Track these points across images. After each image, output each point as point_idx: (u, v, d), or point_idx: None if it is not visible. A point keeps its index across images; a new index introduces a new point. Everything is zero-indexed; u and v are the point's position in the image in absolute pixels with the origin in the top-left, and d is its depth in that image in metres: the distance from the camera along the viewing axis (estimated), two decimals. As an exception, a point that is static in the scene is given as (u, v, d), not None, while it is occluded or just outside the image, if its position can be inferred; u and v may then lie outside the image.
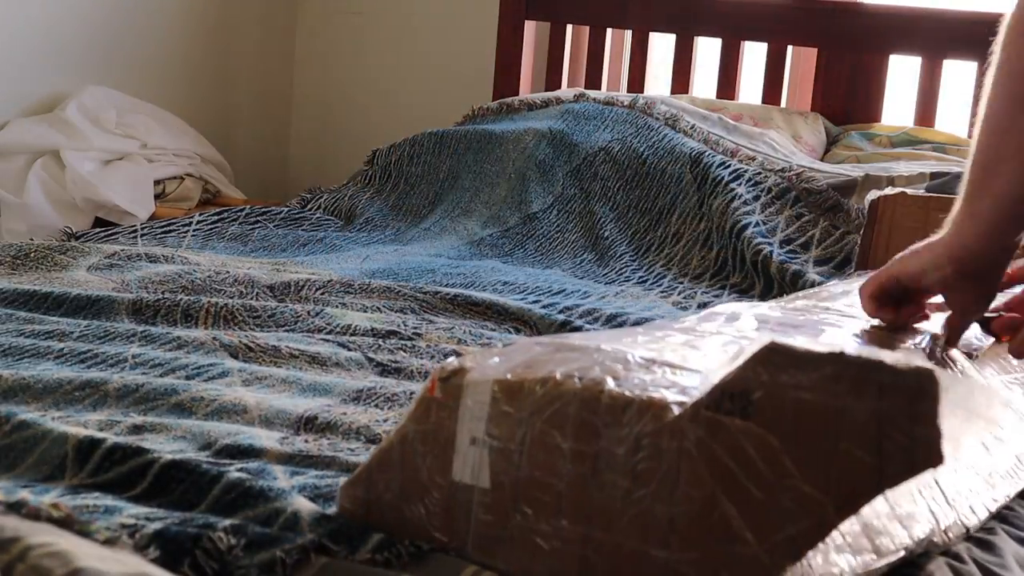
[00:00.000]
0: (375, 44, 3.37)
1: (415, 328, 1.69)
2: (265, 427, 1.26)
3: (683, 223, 2.30)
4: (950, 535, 1.03)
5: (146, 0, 3.05)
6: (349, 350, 1.57)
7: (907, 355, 0.90)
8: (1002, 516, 1.15)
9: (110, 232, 2.29)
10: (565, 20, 3.03)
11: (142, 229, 2.31)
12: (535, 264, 2.27)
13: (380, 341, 1.62)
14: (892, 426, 0.83)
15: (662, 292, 2.08)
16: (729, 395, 0.86)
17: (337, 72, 3.43)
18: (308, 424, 1.26)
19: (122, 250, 2.04)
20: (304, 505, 1.01)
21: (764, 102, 2.80)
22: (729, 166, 2.32)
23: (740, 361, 0.87)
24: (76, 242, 2.16)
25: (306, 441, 1.21)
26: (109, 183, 2.63)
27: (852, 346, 0.88)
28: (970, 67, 2.57)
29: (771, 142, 2.48)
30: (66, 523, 0.96)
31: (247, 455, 1.16)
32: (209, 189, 2.92)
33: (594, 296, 2.00)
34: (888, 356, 0.85)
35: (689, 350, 1.02)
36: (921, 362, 0.84)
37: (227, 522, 0.98)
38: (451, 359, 1.00)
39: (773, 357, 0.86)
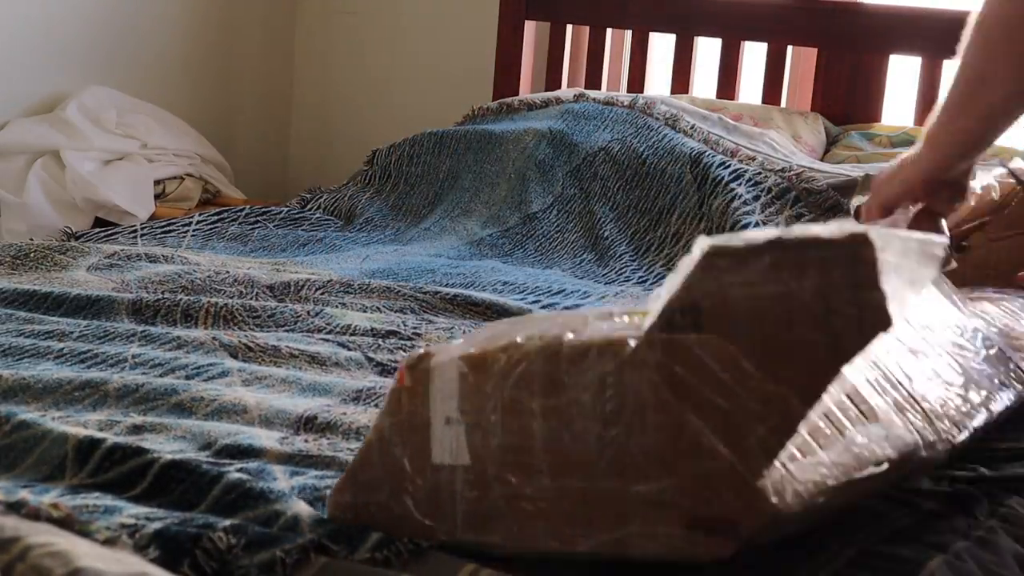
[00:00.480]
0: (375, 44, 3.37)
1: (415, 328, 1.69)
2: (265, 427, 1.26)
3: (683, 223, 2.30)
4: (937, 448, 1.04)
5: (146, 0, 3.05)
6: (349, 350, 1.57)
7: (841, 224, 0.90)
8: (1002, 516, 1.15)
9: (110, 232, 2.29)
10: (565, 20, 3.03)
11: (142, 229, 2.31)
12: (535, 264, 2.27)
13: (380, 341, 1.62)
14: (838, 298, 0.82)
15: (662, 292, 2.08)
16: (679, 311, 0.85)
17: (337, 72, 3.44)
18: (308, 424, 1.26)
19: (122, 250, 2.04)
20: (304, 506, 1.01)
21: (764, 102, 2.80)
22: (729, 166, 2.32)
23: (682, 276, 0.86)
24: (76, 242, 2.16)
25: (306, 441, 1.21)
26: (109, 183, 2.63)
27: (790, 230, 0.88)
28: (970, 67, 2.57)
29: (771, 142, 2.48)
30: (66, 523, 0.97)
31: (247, 455, 1.16)
32: (209, 189, 2.92)
33: (594, 296, 2.00)
34: (824, 229, 0.84)
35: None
36: (855, 227, 0.83)
37: (227, 522, 0.98)
38: (417, 348, 1.00)
39: (713, 260, 0.85)
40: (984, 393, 1.17)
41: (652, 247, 2.29)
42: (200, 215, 2.45)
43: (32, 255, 1.97)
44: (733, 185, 2.27)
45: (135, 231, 2.30)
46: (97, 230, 2.36)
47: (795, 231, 0.84)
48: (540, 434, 0.90)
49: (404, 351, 1.58)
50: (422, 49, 3.30)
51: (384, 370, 1.50)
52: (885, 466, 0.95)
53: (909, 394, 1.05)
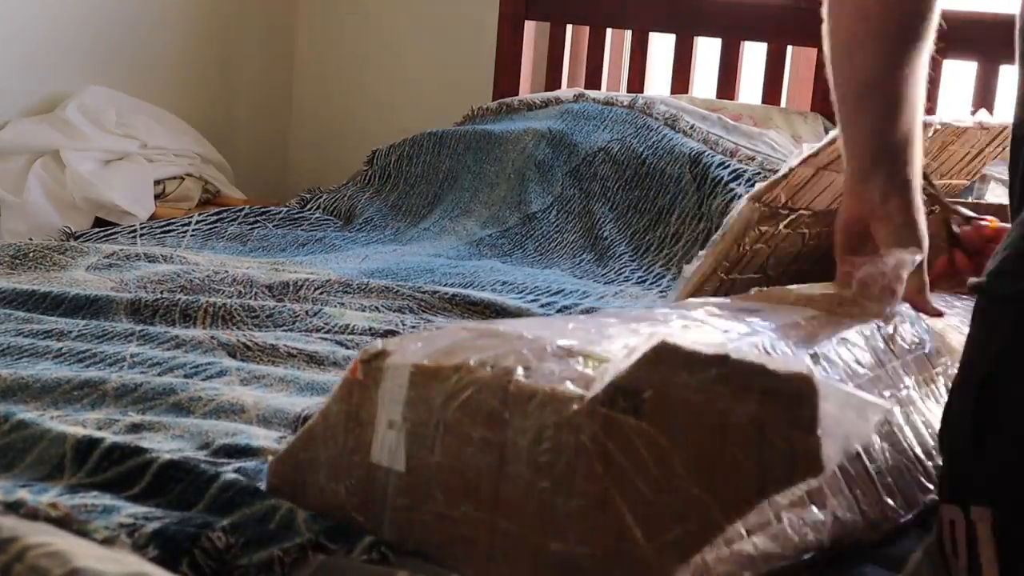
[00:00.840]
0: (375, 44, 3.37)
1: (413, 327, 1.69)
2: (263, 426, 1.26)
3: (682, 223, 2.30)
4: (881, 528, 1.02)
5: (146, 0, 3.05)
6: (347, 349, 1.57)
7: (791, 360, 0.90)
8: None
9: (109, 232, 2.29)
10: (565, 20, 3.03)
11: (141, 229, 2.31)
12: (534, 264, 2.27)
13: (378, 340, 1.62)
14: (773, 432, 0.82)
15: (661, 292, 2.08)
16: (622, 392, 0.85)
17: (337, 72, 3.44)
18: (306, 423, 1.26)
19: (121, 250, 2.04)
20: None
21: (764, 102, 2.80)
22: (728, 166, 2.32)
23: (634, 358, 0.87)
24: (75, 242, 2.16)
25: (304, 440, 1.21)
26: (109, 183, 2.63)
27: (741, 348, 0.87)
28: (970, 67, 2.57)
29: (771, 142, 2.48)
30: (64, 523, 0.96)
31: (245, 454, 1.16)
32: (209, 189, 2.92)
33: (593, 296, 2.00)
34: (772, 361, 0.84)
35: (611, 341, 0.99)
36: (802, 368, 0.83)
37: (225, 521, 0.98)
38: (376, 341, 1.01)
39: (663, 356, 0.85)
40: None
41: (651, 247, 2.29)
42: (199, 215, 2.45)
43: (31, 255, 1.97)
44: (732, 185, 2.27)
45: (134, 231, 2.30)
46: (96, 230, 2.36)
47: (748, 353, 0.84)
48: (475, 463, 0.90)
49: (403, 351, 1.58)
50: (422, 49, 3.30)
51: (383, 370, 1.50)
52: (811, 555, 0.94)
53: (865, 469, 1.03)
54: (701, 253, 1.46)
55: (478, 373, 0.92)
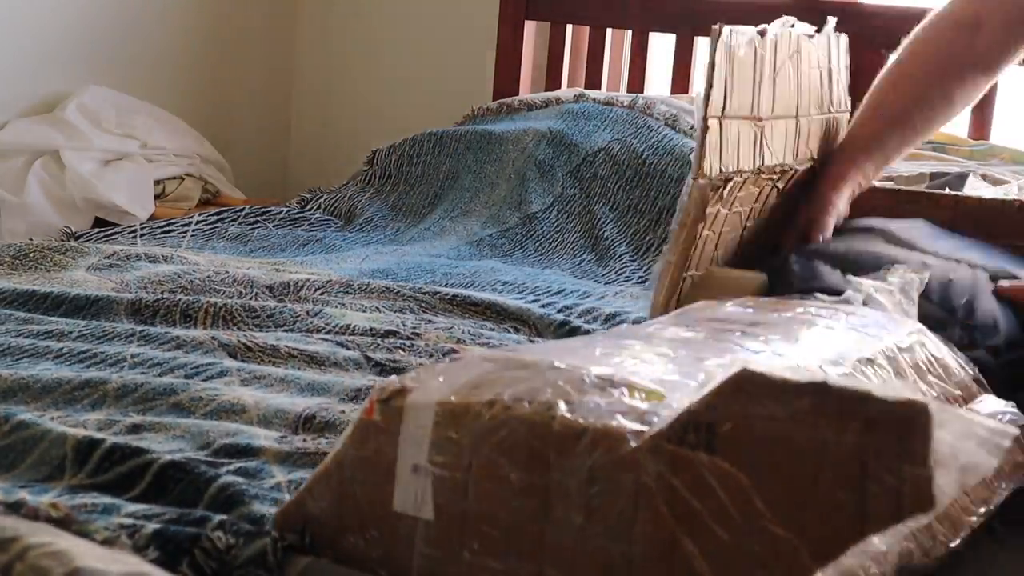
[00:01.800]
0: (375, 44, 3.37)
1: (414, 328, 1.69)
2: (263, 426, 1.26)
3: (683, 223, 2.30)
4: (932, 554, 0.96)
5: (146, 0, 3.05)
6: (348, 349, 1.57)
7: (897, 386, 0.84)
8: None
9: (109, 232, 2.29)
10: (565, 20, 3.03)
11: (142, 229, 2.31)
12: (535, 264, 2.27)
13: (379, 341, 1.62)
14: (878, 464, 0.75)
15: (662, 292, 2.08)
16: (694, 426, 0.78)
17: (337, 72, 3.44)
18: (306, 423, 1.26)
19: (121, 250, 2.04)
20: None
21: (764, 102, 2.80)
22: (729, 166, 2.32)
23: (708, 389, 0.80)
24: (75, 242, 2.16)
25: (304, 440, 1.21)
26: (109, 183, 2.63)
27: (836, 375, 0.80)
28: (970, 67, 2.57)
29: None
30: (65, 523, 0.97)
31: (245, 454, 1.16)
32: (209, 189, 2.92)
33: (593, 296, 2.00)
34: (877, 387, 0.79)
35: (643, 365, 0.94)
36: (914, 393, 0.79)
37: (223, 518, 0.98)
38: (392, 378, 0.93)
39: (745, 386, 0.78)
40: (986, 483, 1.05)
41: (652, 247, 2.29)
42: (200, 215, 2.45)
43: (32, 255, 1.97)
44: (733, 185, 2.27)
45: (135, 231, 2.30)
46: (97, 230, 2.36)
47: (847, 380, 0.77)
48: (516, 509, 0.83)
49: (403, 351, 1.58)
50: (422, 49, 3.30)
51: (383, 370, 1.50)
52: None
53: None
54: (665, 249, 1.39)
55: (515, 410, 0.84)
